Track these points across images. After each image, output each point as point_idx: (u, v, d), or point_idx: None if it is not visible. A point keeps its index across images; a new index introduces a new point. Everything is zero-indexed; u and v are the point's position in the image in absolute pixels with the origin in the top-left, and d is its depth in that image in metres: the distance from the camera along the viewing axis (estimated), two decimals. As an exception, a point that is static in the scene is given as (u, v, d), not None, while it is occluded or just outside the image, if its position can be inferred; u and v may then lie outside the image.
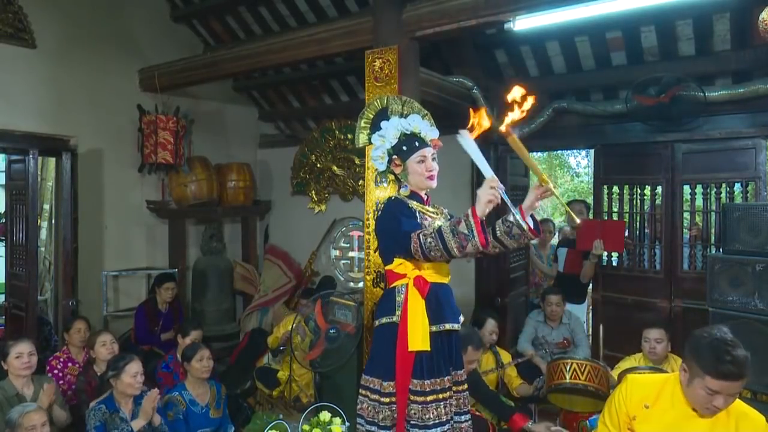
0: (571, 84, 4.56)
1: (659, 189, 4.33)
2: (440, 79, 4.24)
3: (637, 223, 4.54)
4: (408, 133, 2.26)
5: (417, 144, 2.26)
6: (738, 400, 1.99)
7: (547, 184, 2.01)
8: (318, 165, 5.96)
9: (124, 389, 3.06)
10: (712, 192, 4.13)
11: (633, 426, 2.08)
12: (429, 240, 1.99)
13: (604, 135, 4.50)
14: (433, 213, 2.31)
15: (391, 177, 2.41)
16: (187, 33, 5.79)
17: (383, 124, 2.28)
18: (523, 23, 3.52)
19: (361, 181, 5.39)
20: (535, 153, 7.51)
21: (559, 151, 11.21)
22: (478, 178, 5.02)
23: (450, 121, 4.90)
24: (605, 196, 4.59)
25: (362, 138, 2.38)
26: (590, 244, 4.28)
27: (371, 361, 2.34)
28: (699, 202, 4.22)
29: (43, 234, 5.41)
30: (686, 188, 4.31)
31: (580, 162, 12.68)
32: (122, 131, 5.18)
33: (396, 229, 2.13)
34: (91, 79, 4.98)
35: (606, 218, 4.54)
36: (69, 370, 3.84)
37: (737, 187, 4.03)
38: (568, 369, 3.31)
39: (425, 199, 2.33)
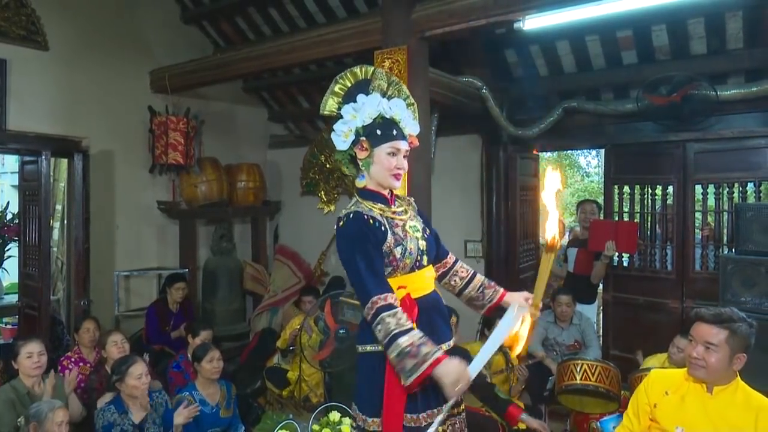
0: (581, 83, 4.54)
1: (671, 189, 4.30)
2: (449, 79, 4.24)
3: (648, 223, 4.52)
4: (387, 117, 1.90)
5: (395, 133, 1.90)
6: (761, 395, 2.04)
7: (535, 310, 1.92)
8: (327, 165, 5.98)
9: (130, 392, 3.05)
10: (725, 192, 4.09)
11: (654, 414, 2.13)
12: (380, 327, 1.73)
13: (614, 134, 4.49)
14: (402, 212, 1.98)
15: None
16: (197, 34, 5.82)
17: (360, 97, 1.90)
18: (532, 22, 3.52)
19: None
20: (545, 153, 7.49)
21: (569, 151, 11.17)
22: (487, 179, 5.01)
23: (459, 120, 4.93)
24: (616, 196, 4.58)
25: (330, 104, 1.96)
26: (602, 245, 4.25)
27: (356, 390, 2.01)
28: (711, 202, 4.20)
29: (56, 234, 5.46)
30: (698, 188, 4.28)
31: (591, 162, 12.66)
32: (133, 132, 5.22)
33: (357, 284, 1.83)
34: (103, 81, 5.02)
35: (617, 218, 4.52)
36: (80, 369, 3.87)
37: (750, 186, 4.00)
38: (578, 370, 3.31)
39: (389, 197, 1.98)
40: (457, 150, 5.06)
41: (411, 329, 1.71)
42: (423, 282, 1.96)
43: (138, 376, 3.05)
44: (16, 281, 5.15)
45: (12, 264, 5.63)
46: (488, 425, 3.10)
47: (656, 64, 4.14)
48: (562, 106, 4.49)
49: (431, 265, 2.02)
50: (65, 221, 5.40)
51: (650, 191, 4.47)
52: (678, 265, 4.23)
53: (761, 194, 3.96)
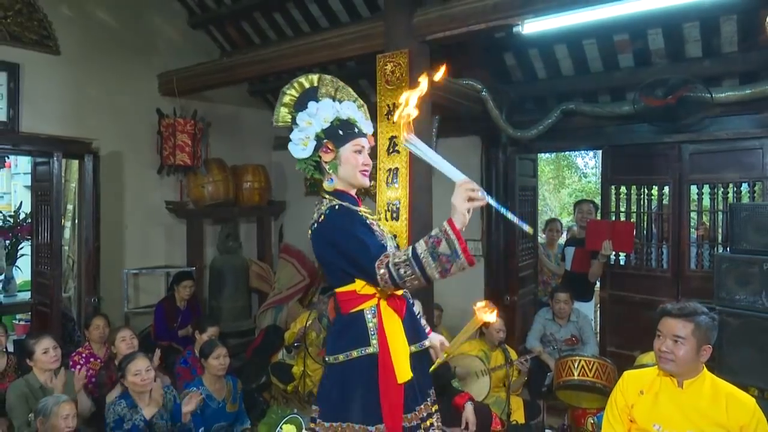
0: (578, 86, 4.59)
1: (666, 189, 4.35)
2: (450, 82, 4.30)
3: (645, 223, 4.57)
4: (344, 119, 1.92)
5: (356, 131, 1.93)
6: (727, 383, 2.11)
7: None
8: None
9: (133, 387, 3.12)
10: (719, 192, 4.14)
11: (632, 414, 2.19)
12: (402, 270, 1.65)
13: (611, 136, 4.53)
14: (370, 213, 2.00)
15: (303, 173, 2.04)
16: (204, 39, 5.92)
17: (311, 104, 1.92)
18: (531, 26, 3.55)
19: (372, 182, 5.45)
20: (543, 154, 7.54)
21: (567, 152, 11.22)
22: (487, 180, 5.08)
23: (460, 122, 5.01)
24: (613, 197, 4.62)
25: (283, 114, 1.97)
26: (599, 244, 4.31)
27: (339, 403, 1.86)
28: (706, 202, 4.24)
29: (67, 233, 5.55)
30: (693, 188, 4.34)
31: (588, 162, 12.69)
32: (142, 134, 5.33)
33: (358, 252, 1.76)
34: (113, 84, 5.13)
35: (614, 218, 4.57)
36: (91, 364, 3.97)
37: (744, 187, 4.04)
38: (576, 366, 3.38)
39: (358, 199, 2.00)
40: (457, 151, 5.10)
41: (415, 243, 1.68)
42: None
43: (136, 372, 3.10)
44: (29, 279, 5.25)
45: (25, 262, 5.74)
46: (482, 411, 3.19)
47: (652, 67, 4.19)
48: (560, 109, 4.54)
49: None
50: (76, 221, 5.50)
51: (646, 191, 4.53)
52: (673, 263, 4.28)
53: (755, 194, 4.00)
